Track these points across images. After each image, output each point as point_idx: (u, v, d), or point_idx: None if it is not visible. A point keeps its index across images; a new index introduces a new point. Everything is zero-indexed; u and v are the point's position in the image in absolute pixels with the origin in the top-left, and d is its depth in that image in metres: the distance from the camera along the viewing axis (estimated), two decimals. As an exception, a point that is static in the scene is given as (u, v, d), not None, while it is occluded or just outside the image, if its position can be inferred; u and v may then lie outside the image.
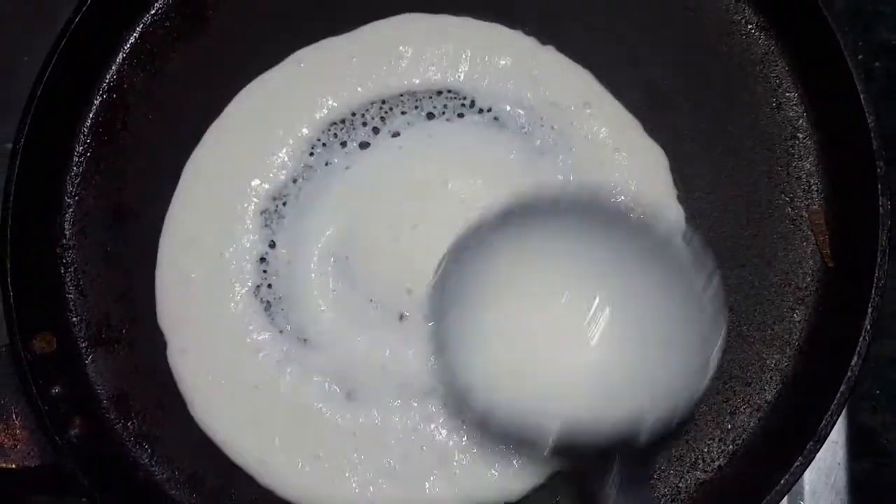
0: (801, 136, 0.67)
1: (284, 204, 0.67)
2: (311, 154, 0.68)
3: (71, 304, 0.68)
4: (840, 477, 0.67)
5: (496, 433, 0.56)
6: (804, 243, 0.65)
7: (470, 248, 0.57)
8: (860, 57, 0.89)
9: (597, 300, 0.55)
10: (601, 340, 0.54)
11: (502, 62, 0.69)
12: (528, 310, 0.55)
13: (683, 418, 0.54)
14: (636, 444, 0.52)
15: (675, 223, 0.59)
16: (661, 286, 0.55)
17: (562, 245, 0.56)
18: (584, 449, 0.53)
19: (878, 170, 0.60)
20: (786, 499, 0.67)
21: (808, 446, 0.57)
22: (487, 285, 0.56)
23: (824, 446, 0.67)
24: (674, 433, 0.57)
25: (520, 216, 0.57)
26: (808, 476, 0.67)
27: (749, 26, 0.69)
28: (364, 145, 0.68)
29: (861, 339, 0.58)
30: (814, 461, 0.67)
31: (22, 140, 0.65)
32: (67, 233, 0.69)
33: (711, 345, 0.54)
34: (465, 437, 0.62)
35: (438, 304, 0.56)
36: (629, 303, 0.55)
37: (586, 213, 0.57)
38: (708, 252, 0.55)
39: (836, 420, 0.57)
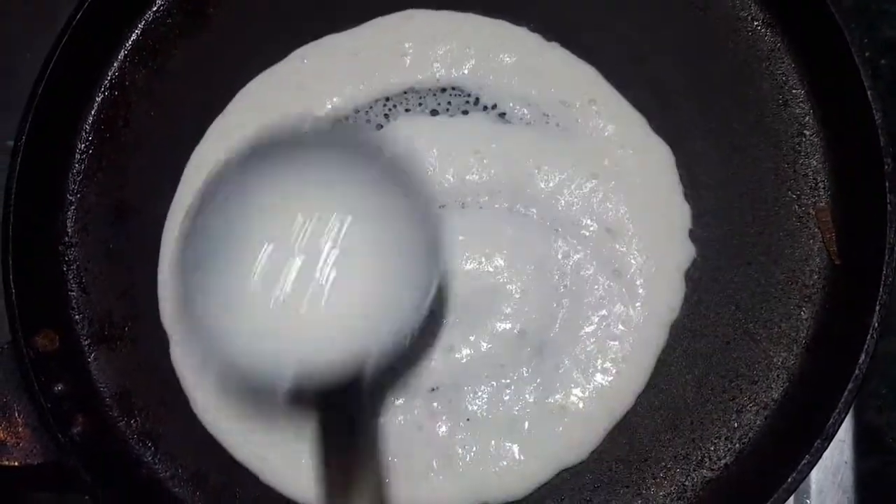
0: (807, 133, 0.67)
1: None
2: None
3: (73, 301, 0.68)
4: (847, 476, 0.67)
5: (239, 387, 0.56)
6: (811, 241, 0.65)
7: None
8: (866, 55, 0.89)
9: (323, 238, 0.54)
10: (324, 280, 0.54)
11: (507, 59, 0.68)
12: (253, 253, 0.54)
13: (405, 351, 0.54)
14: (365, 379, 0.53)
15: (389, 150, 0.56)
16: (379, 218, 0.55)
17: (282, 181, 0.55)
18: (318, 390, 0.53)
19: (886, 166, 0.60)
20: (792, 497, 0.66)
21: (815, 444, 0.57)
22: (218, 236, 0.55)
23: (831, 445, 0.67)
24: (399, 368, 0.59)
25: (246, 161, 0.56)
26: (815, 475, 0.67)
27: (755, 23, 0.69)
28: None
29: (869, 336, 0.57)
30: (820, 460, 0.67)
31: (24, 137, 0.65)
32: (70, 230, 0.69)
33: (426, 279, 0.54)
34: (469, 435, 0.62)
35: (183, 259, 0.55)
36: (350, 237, 0.55)
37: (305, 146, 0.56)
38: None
39: (844, 418, 0.56)
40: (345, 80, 0.69)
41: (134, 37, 0.71)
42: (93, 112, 0.70)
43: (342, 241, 0.54)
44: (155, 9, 0.72)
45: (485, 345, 0.63)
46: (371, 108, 0.68)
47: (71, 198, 0.69)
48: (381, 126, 0.68)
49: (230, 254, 0.55)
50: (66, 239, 0.69)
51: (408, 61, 0.69)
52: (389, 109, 0.68)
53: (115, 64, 0.71)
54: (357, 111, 0.68)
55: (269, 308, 0.54)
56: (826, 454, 0.66)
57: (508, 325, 0.64)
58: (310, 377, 0.53)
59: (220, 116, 0.69)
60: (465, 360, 0.63)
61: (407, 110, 0.68)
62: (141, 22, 0.71)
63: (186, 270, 0.54)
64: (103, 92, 0.71)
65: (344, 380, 0.53)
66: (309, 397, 0.56)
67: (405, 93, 0.68)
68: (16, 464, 0.63)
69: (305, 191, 0.55)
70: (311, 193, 0.55)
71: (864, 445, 0.76)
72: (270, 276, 0.54)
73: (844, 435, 0.67)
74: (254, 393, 0.57)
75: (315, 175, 0.55)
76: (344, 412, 0.55)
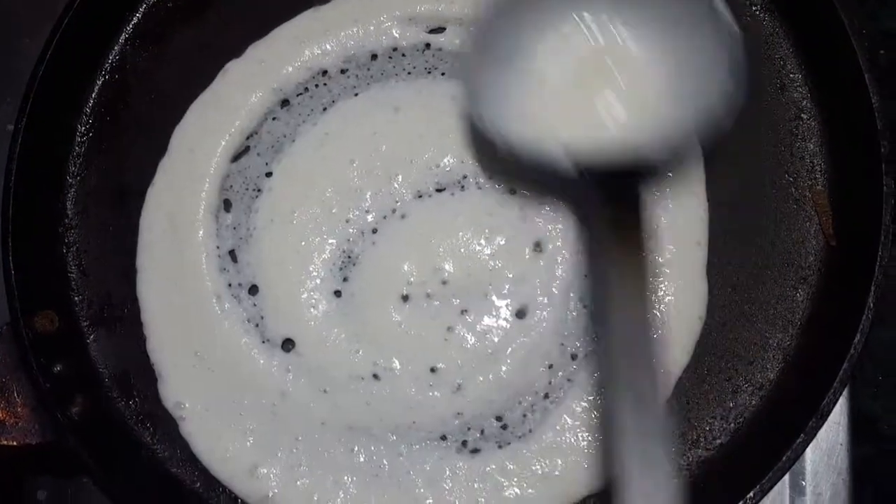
0: (805, 116, 0.67)
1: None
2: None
3: (73, 283, 0.68)
4: (842, 457, 0.67)
5: (524, 158, 0.56)
6: (807, 223, 0.65)
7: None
8: (865, 45, 0.89)
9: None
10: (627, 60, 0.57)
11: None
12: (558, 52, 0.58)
13: (707, 138, 0.55)
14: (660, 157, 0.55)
15: None
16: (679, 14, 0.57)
17: None
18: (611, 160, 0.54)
19: (882, 150, 0.60)
20: (788, 479, 0.67)
21: (809, 424, 0.57)
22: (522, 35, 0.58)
23: (826, 427, 0.67)
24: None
25: None
26: (810, 456, 0.67)
27: (754, 8, 0.69)
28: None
29: (864, 316, 0.58)
30: (816, 442, 0.67)
31: (24, 120, 0.65)
32: (70, 212, 0.69)
33: (734, 61, 0.54)
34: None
35: (472, 57, 0.58)
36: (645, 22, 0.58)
37: None
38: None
39: (839, 398, 0.57)
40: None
41: (135, 21, 0.71)
42: (93, 95, 0.71)
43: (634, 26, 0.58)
44: (155, -7, 0.72)
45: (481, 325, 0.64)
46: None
47: (71, 180, 0.69)
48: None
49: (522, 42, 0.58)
50: (66, 221, 0.69)
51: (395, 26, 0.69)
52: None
53: (115, 48, 0.71)
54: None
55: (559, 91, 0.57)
56: (822, 436, 0.67)
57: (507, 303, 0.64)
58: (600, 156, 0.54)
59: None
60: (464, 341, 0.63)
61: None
62: (142, 6, 0.72)
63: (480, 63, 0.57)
64: (104, 75, 0.71)
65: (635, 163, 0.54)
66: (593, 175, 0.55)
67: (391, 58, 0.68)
68: (14, 443, 0.63)
69: None
70: None
71: (859, 432, 0.76)
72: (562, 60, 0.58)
73: (840, 418, 0.68)
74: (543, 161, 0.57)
75: None
76: (630, 191, 0.55)
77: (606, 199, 0.55)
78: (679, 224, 0.64)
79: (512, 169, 0.63)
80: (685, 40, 0.56)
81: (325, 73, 0.68)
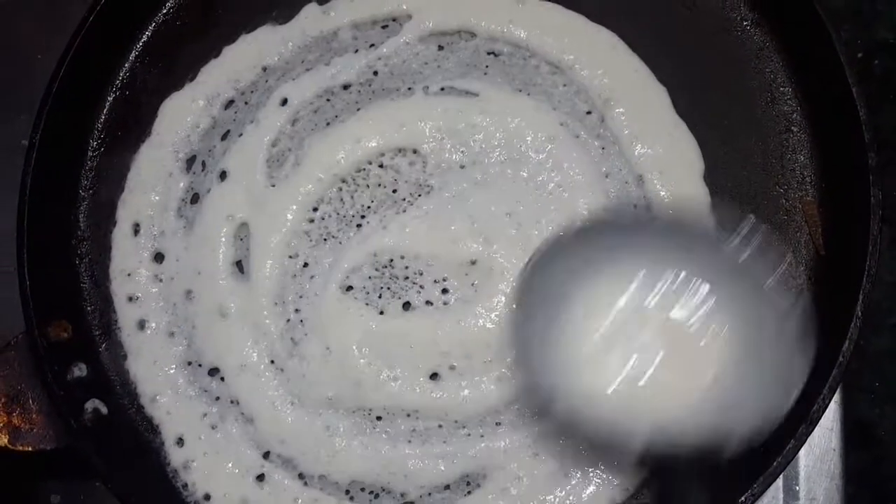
0: (794, 129, 0.68)
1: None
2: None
3: (85, 293, 0.70)
4: (835, 463, 0.68)
5: (580, 438, 0.56)
6: (798, 233, 0.66)
7: (553, 256, 0.57)
8: (859, 55, 0.90)
9: (702, 308, 0.54)
10: (698, 354, 0.54)
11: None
12: (614, 323, 0.55)
13: (765, 439, 0.54)
14: (720, 458, 0.53)
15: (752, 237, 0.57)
16: (752, 304, 0.55)
17: (648, 259, 0.56)
18: (668, 458, 0.53)
19: (870, 161, 0.61)
20: (782, 484, 0.68)
21: (800, 429, 0.58)
22: (574, 294, 0.56)
23: (819, 433, 0.68)
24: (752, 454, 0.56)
25: (599, 231, 0.58)
26: (804, 462, 0.68)
27: (745, 23, 0.70)
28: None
29: (853, 324, 0.59)
30: (809, 448, 0.68)
31: (38, 136, 0.67)
32: (82, 225, 0.71)
33: (798, 368, 0.54)
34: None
35: (521, 314, 0.57)
36: (724, 316, 0.55)
37: (667, 230, 0.58)
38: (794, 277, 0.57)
39: (828, 404, 0.58)
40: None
41: (144, 38, 0.73)
42: (105, 111, 0.72)
43: (702, 309, 0.54)
44: (165, 11, 0.74)
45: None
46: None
47: (84, 194, 0.71)
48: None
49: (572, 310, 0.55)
50: (79, 233, 0.71)
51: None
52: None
53: (126, 65, 0.73)
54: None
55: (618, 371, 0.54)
56: (815, 442, 0.68)
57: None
58: (663, 444, 0.53)
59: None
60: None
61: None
62: (151, 24, 0.73)
63: (525, 324, 0.55)
64: (115, 92, 0.73)
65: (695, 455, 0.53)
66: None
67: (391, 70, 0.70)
68: (30, 449, 0.65)
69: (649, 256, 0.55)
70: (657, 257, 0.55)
71: (856, 439, 0.77)
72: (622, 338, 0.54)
73: (833, 424, 0.69)
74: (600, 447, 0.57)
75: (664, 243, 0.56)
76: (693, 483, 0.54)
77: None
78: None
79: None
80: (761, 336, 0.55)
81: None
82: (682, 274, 0.55)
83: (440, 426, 0.64)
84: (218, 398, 0.66)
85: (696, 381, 0.54)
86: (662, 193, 0.66)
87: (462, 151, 0.68)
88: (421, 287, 0.66)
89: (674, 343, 0.54)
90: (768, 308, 0.54)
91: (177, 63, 0.73)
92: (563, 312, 0.55)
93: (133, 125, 0.72)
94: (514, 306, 0.58)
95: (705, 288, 0.55)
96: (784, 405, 0.53)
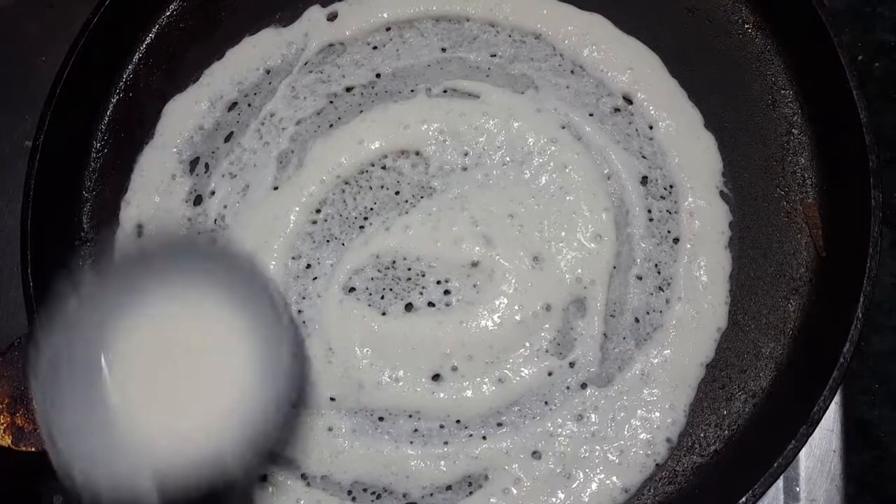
0: (795, 132, 0.69)
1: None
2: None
3: (89, 294, 0.70)
4: (835, 464, 0.68)
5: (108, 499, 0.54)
6: (798, 235, 0.67)
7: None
8: (860, 58, 0.90)
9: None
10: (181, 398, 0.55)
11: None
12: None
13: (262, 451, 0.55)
14: (229, 479, 0.54)
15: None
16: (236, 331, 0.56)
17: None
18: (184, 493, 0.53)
19: (871, 164, 0.61)
20: (782, 485, 0.68)
21: (800, 431, 0.58)
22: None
23: (820, 434, 0.69)
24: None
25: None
26: (804, 463, 0.69)
27: (746, 26, 0.71)
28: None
29: (853, 326, 0.59)
30: (810, 449, 0.69)
31: (42, 137, 0.67)
32: (85, 226, 0.71)
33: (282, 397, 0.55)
34: None
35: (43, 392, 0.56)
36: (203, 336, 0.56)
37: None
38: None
39: (829, 405, 0.58)
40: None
41: (148, 41, 0.74)
42: (108, 113, 0.73)
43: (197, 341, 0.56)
44: (169, 13, 0.74)
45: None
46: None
47: (87, 195, 0.72)
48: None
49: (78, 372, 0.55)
50: (82, 234, 0.71)
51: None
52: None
53: (129, 67, 0.74)
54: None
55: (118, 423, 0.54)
56: (815, 443, 0.69)
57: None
58: (174, 483, 0.53)
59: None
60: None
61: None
62: (155, 26, 0.74)
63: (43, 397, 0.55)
64: (118, 94, 0.73)
65: (210, 482, 0.53)
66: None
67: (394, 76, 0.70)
68: (33, 449, 0.64)
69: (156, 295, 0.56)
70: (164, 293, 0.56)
71: (857, 440, 0.78)
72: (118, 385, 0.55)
73: (833, 425, 0.69)
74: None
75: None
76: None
77: None
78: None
79: None
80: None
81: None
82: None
83: (442, 427, 0.64)
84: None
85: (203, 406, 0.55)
86: (667, 196, 0.67)
87: (464, 153, 0.68)
88: (423, 288, 0.66)
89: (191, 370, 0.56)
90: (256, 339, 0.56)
91: (180, 65, 0.73)
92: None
93: (136, 127, 0.72)
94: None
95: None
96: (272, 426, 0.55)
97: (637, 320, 0.65)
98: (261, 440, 0.55)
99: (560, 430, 0.63)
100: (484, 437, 0.64)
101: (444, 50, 0.71)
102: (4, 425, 0.64)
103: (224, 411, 0.55)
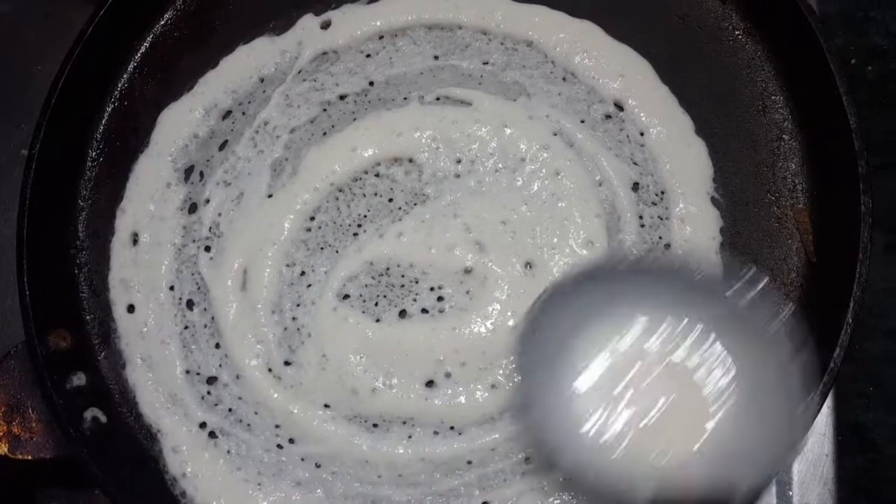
0: (786, 137, 0.69)
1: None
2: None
3: (84, 302, 0.70)
4: (828, 468, 0.69)
5: (587, 490, 0.55)
6: (789, 240, 0.67)
7: (550, 308, 0.57)
8: (852, 61, 0.90)
9: (705, 355, 0.54)
10: (700, 401, 0.54)
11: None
12: (615, 370, 0.55)
13: (762, 487, 0.55)
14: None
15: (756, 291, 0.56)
16: (754, 354, 0.55)
17: (649, 304, 0.56)
18: None
19: (860, 169, 0.62)
20: (775, 490, 0.69)
21: (792, 435, 0.58)
22: (574, 344, 0.56)
23: (812, 439, 0.69)
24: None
25: (598, 276, 0.58)
26: (797, 467, 0.69)
27: (736, 32, 0.71)
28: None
29: (843, 331, 0.59)
30: (802, 454, 0.69)
31: (37, 146, 0.67)
32: (81, 234, 0.71)
33: (800, 419, 0.54)
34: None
35: (523, 364, 0.57)
36: (727, 363, 0.55)
37: (666, 276, 0.58)
38: (796, 327, 0.55)
39: (820, 410, 0.58)
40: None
41: (142, 50, 0.74)
42: (103, 122, 0.73)
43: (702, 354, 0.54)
44: (163, 22, 0.75)
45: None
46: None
47: (82, 203, 0.72)
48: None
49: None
50: (78, 243, 0.71)
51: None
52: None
53: (124, 76, 0.74)
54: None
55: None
56: (808, 447, 0.69)
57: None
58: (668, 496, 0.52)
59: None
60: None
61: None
62: (149, 35, 0.74)
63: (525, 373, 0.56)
64: (113, 102, 0.74)
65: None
66: None
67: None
68: (29, 457, 0.65)
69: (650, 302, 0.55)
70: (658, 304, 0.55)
71: (851, 443, 0.78)
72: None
73: (825, 429, 0.69)
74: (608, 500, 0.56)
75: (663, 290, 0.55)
76: None
77: None
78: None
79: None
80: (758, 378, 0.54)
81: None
82: (685, 320, 0.55)
83: (436, 433, 0.65)
84: (216, 406, 0.67)
85: (698, 429, 0.54)
86: (658, 202, 0.67)
87: (457, 160, 0.69)
88: (417, 295, 0.66)
89: (676, 389, 0.54)
90: (770, 357, 0.54)
91: (175, 74, 0.73)
92: (566, 363, 0.55)
93: (131, 135, 0.73)
94: (516, 357, 0.58)
95: (707, 334, 0.55)
96: (786, 456, 0.54)
97: None
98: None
99: None
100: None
101: (436, 58, 0.71)
102: (1, 434, 0.65)
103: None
